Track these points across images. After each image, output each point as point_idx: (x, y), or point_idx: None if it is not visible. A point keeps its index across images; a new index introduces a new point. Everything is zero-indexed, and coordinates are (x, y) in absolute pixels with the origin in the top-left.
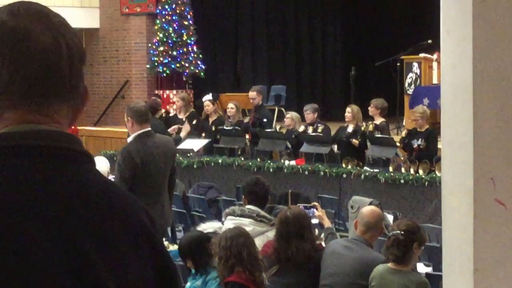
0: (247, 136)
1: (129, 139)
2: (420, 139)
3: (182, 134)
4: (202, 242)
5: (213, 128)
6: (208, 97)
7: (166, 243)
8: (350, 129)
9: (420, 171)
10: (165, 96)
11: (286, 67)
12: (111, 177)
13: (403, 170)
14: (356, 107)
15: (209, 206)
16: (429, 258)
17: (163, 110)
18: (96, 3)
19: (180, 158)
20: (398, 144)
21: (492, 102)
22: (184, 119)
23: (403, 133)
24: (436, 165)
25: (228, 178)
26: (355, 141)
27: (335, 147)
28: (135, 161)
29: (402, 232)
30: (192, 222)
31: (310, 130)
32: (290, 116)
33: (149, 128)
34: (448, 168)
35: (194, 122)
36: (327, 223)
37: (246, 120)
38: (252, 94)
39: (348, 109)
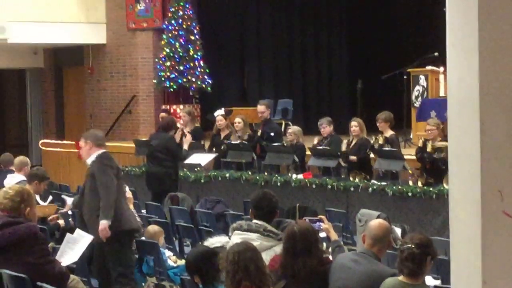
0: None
1: (91, 160)
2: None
3: (185, 146)
4: (208, 257)
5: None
6: (220, 111)
7: (174, 257)
8: (344, 147)
9: (419, 183)
10: (172, 111)
11: (292, 81)
12: None
13: (410, 183)
14: (361, 120)
15: (216, 220)
16: (438, 271)
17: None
18: (103, 18)
19: (188, 172)
20: (413, 156)
21: (499, 115)
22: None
23: (420, 143)
24: (444, 177)
25: (236, 193)
26: (353, 158)
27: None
28: (114, 169)
29: (417, 246)
30: (200, 236)
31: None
32: (292, 130)
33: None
34: (455, 180)
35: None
36: (334, 236)
37: (259, 133)
38: (261, 108)
39: (354, 123)
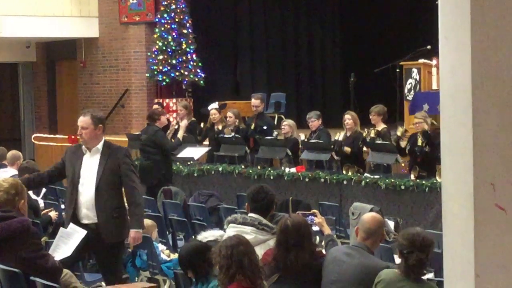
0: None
1: (102, 145)
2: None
3: (180, 134)
4: (201, 252)
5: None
6: (214, 105)
7: (167, 251)
8: (340, 137)
9: (412, 176)
10: (164, 104)
11: (285, 74)
12: None
13: (412, 177)
14: (354, 113)
15: (210, 214)
16: (431, 264)
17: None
18: (95, 12)
19: (181, 166)
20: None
21: (491, 107)
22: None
23: (402, 143)
24: (437, 170)
25: (229, 186)
26: (347, 149)
27: (335, 155)
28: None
29: (421, 250)
30: (193, 230)
31: (313, 136)
32: (287, 123)
33: None
34: (448, 173)
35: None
36: (327, 230)
37: (252, 126)
38: (256, 101)
39: (347, 116)
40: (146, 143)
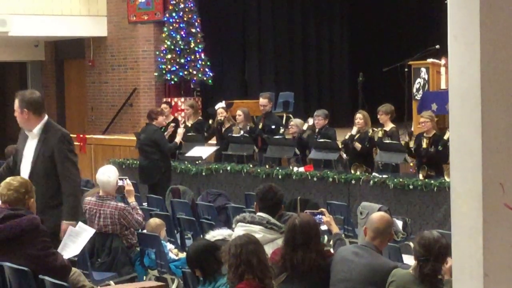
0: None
1: (38, 129)
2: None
3: (177, 139)
4: (209, 251)
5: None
6: (221, 104)
7: (175, 250)
8: (354, 131)
9: (420, 175)
10: (173, 103)
11: (293, 74)
12: (120, 183)
13: (421, 176)
14: (366, 113)
15: (218, 213)
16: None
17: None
18: (104, 11)
19: (189, 165)
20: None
21: (500, 107)
22: (190, 126)
23: (411, 143)
24: (445, 170)
25: (237, 185)
26: (357, 145)
27: (344, 154)
28: (76, 157)
29: (437, 258)
30: (201, 229)
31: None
32: (294, 123)
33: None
34: (457, 173)
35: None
36: (335, 229)
37: (260, 126)
38: (264, 101)
39: (359, 115)
40: (145, 142)
